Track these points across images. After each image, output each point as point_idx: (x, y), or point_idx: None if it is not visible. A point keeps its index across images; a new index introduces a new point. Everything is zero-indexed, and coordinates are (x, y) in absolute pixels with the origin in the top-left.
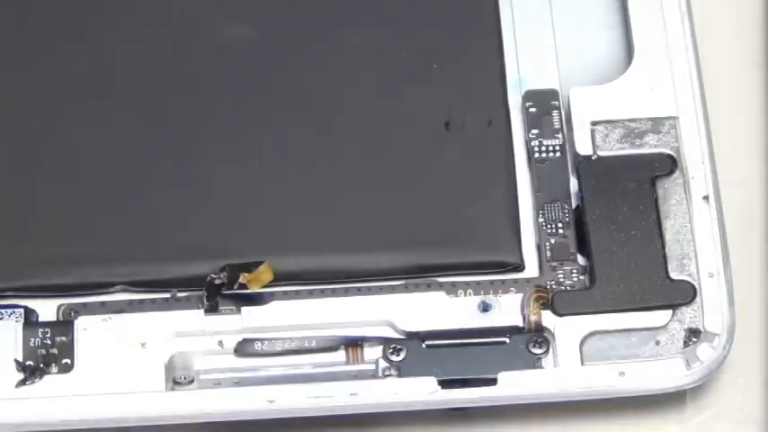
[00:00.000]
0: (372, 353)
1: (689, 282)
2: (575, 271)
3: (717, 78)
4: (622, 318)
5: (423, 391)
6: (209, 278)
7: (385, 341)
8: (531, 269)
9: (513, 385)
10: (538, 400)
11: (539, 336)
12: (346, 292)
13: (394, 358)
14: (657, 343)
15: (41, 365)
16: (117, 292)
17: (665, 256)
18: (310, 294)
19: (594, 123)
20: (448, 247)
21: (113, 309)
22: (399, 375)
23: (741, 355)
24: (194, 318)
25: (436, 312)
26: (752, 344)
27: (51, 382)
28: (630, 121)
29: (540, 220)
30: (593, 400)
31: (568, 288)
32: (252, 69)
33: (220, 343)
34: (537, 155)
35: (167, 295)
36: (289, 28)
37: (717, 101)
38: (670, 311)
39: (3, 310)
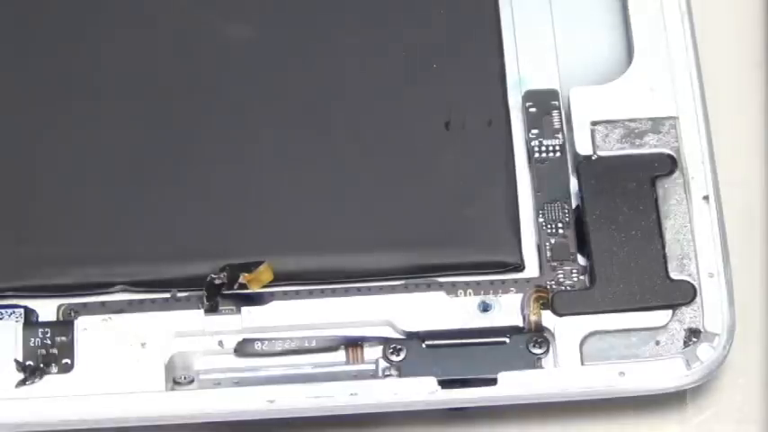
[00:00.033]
0: (372, 353)
1: (689, 282)
2: (575, 271)
3: (717, 78)
4: (622, 318)
5: (423, 391)
6: (209, 278)
7: (385, 341)
8: (531, 269)
9: (513, 385)
10: (538, 400)
11: (539, 336)
12: (346, 292)
13: (394, 358)
14: (657, 343)
15: (41, 365)
16: (117, 292)
17: (665, 256)
18: (310, 294)
19: (594, 123)
20: (448, 247)
21: (113, 309)
22: (399, 375)
23: (741, 355)
24: (194, 318)
25: (436, 312)
26: (752, 344)
27: (51, 382)
28: (630, 121)
29: (540, 220)
30: (593, 400)
31: (568, 288)
32: (252, 69)
33: (220, 343)
34: (537, 155)
35: (167, 295)
36: (289, 28)
37: (717, 101)
38: (670, 311)
39: (3, 310)
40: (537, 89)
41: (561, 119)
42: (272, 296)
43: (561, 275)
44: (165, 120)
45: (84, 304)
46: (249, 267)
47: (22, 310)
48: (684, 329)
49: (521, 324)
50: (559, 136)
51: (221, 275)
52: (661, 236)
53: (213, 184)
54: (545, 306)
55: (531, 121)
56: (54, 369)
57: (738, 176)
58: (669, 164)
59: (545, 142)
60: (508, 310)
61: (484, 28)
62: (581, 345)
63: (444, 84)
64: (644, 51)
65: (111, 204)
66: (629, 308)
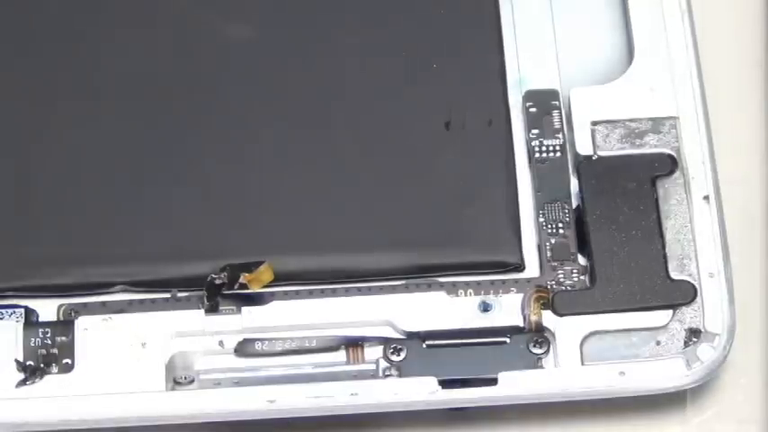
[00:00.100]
0: (373, 353)
1: (689, 282)
2: (575, 271)
3: (717, 78)
4: (623, 318)
5: (423, 391)
6: (209, 278)
7: (385, 341)
8: (532, 269)
9: (513, 385)
10: (538, 400)
11: (539, 336)
12: (346, 292)
13: (394, 358)
14: (658, 343)
15: (42, 365)
16: (117, 292)
17: (665, 256)
18: (310, 294)
19: (595, 123)
20: (448, 247)
21: (114, 309)
22: (400, 375)
23: (742, 355)
24: (194, 318)
25: (436, 312)
26: (752, 344)
27: (51, 382)
28: (631, 121)
29: (541, 220)
30: (593, 400)
31: (569, 288)
32: (252, 69)
33: (221, 343)
34: (537, 155)
35: (167, 295)
36: (289, 28)
37: (717, 100)
38: (670, 311)
39: (3, 310)
40: (537, 89)
41: (561, 119)
42: (273, 296)
43: (561, 275)
44: (165, 120)
45: (85, 304)
46: (249, 267)
47: (22, 310)
48: (685, 329)
49: (521, 324)
50: (560, 136)
51: (222, 275)
52: (661, 236)
53: (213, 184)
54: (545, 306)
55: (531, 121)
56: (54, 369)
57: (739, 176)
58: (669, 164)
59: (545, 142)
60: (508, 310)
61: (484, 28)
62: (581, 345)
63: (444, 83)
64: (644, 51)
65: (112, 204)
66: (630, 308)
